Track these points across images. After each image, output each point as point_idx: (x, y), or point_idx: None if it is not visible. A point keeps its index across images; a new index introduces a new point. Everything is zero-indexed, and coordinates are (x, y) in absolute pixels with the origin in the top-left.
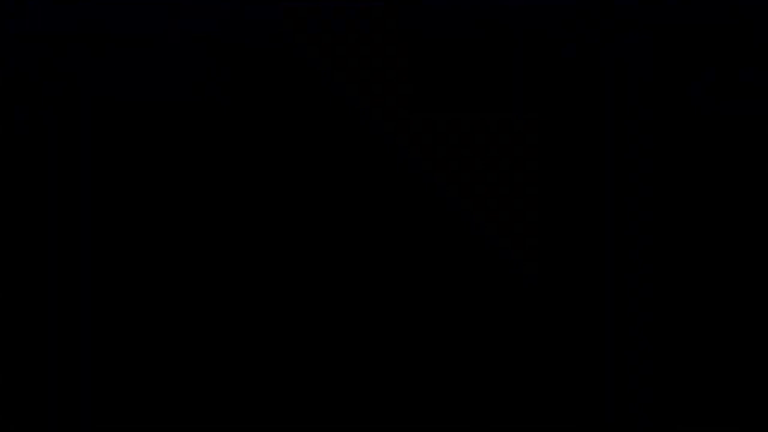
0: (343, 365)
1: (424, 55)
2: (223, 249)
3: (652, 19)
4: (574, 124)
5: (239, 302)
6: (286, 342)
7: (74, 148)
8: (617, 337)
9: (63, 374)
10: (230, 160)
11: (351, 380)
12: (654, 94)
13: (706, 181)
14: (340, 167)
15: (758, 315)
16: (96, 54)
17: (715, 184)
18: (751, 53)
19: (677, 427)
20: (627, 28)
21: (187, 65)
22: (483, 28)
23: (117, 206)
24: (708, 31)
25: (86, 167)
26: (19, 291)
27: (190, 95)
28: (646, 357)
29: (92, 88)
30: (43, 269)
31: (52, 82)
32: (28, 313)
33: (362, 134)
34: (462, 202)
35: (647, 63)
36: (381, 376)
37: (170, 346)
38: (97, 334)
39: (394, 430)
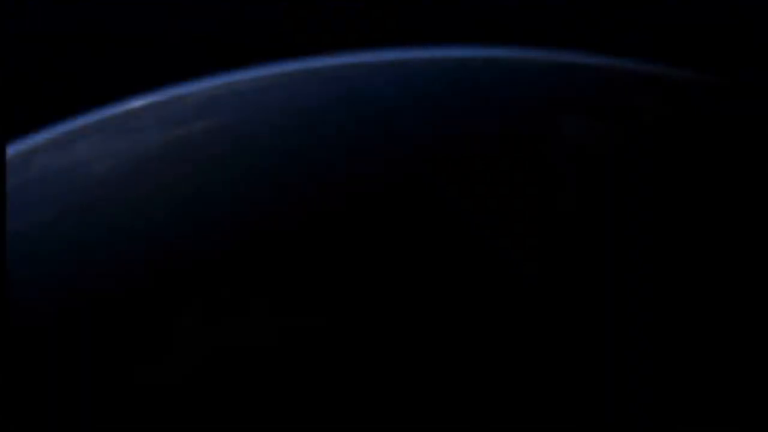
0: (341, 364)
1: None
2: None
3: (652, 19)
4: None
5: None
6: (285, 342)
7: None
8: (617, 337)
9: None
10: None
11: (350, 380)
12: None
13: (707, 181)
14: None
15: (759, 315)
16: (96, 54)
17: (715, 184)
18: (751, 53)
19: (677, 427)
20: (627, 28)
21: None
22: (482, 28)
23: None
24: (708, 31)
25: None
26: None
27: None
28: (646, 357)
29: (92, 88)
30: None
31: (52, 82)
32: None
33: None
34: (461, 202)
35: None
36: (379, 376)
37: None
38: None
39: (393, 430)
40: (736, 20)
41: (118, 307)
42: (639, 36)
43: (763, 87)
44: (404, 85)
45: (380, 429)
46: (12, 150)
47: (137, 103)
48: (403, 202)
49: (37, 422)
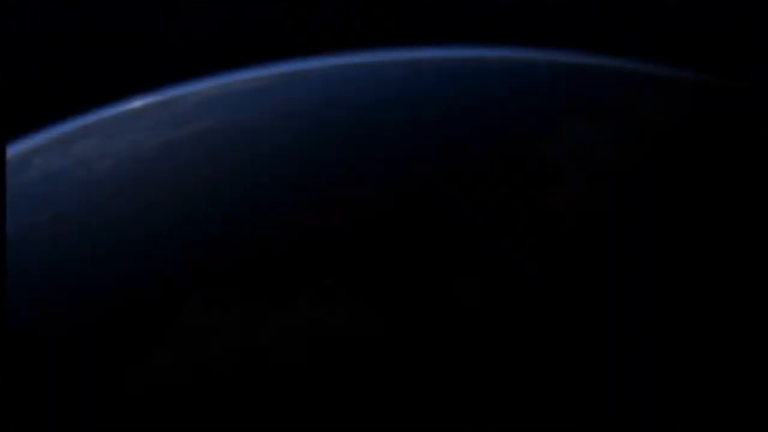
0: (338, 363)
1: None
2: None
3: (652, 19)
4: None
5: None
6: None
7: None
8: (617, 337)
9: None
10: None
11: (347, 378)
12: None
13: (706, 180)
14: None
15: (759, 315)
16: (96, 54)
17: (715, 183)
18: (751, 53)
19: (677, 427)
20: (627, 28)
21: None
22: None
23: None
24: (708, 31)
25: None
26: None
27: None
28: (646, 357)
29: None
30: None
31: (52, 82)
32: None
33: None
34: (463, 201)
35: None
36: (378, 375)
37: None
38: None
39: (392, 430)
40: (736, 20)
41: (117, 305)
42: (639, 36)
43: (763, 87)
44: (405, 85)
45: (378, 429)
46: (12, 150)
47: (137, 103)
48: (403, 201)
49: (38, 421)
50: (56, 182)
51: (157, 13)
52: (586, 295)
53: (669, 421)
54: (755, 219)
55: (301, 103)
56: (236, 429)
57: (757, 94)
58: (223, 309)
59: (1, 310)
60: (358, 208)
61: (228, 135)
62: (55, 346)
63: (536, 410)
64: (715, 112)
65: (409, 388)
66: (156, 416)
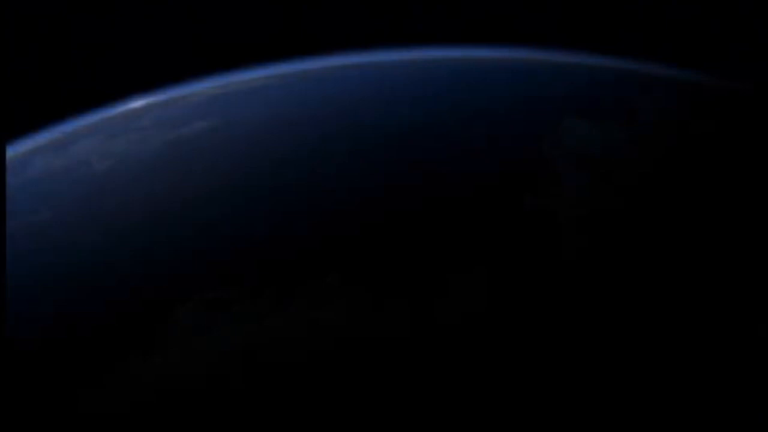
0: (338, 363)
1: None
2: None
3: (652, 19)
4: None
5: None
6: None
7: None
8: (617, 337)
9: None
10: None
11: (347, 378)
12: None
13: (706, 181)
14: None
15: (759, 315)
16: (96, 54)
17: (715, 183)
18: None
19: (677, 427)
20: (627, 28)
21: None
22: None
23: None
24: (708, 31)
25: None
26: None
27: None
28: (647, 357)
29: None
30: None
31: (52, 82)
32: None
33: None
34: (461, 201)
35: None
36: (378, 375)
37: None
38: None
39: (392, 429)
40: (736, 20)
41: (118, 305)
42: (639, 36)
43: (763, 87)
44: (405, 85)
45: (380, 428)
46: (12, 150)
47: (137, 103)
48: (403, 201)
49: (38, 420)
50: (56, 182)
51: (157, 13)
52: (586, 295)
53: (669, 420)
54: (755, 218)
55: (301, 103)
56: (236, 428)
57: (757, 94)
58: (222, 309)
59: (1, 309)
60: (357, 208)
61: (228, 135)
62: (55, 345)
63: (536, 410)
64: (715, 112)
65: (410, 387)
66: (156, 416)
